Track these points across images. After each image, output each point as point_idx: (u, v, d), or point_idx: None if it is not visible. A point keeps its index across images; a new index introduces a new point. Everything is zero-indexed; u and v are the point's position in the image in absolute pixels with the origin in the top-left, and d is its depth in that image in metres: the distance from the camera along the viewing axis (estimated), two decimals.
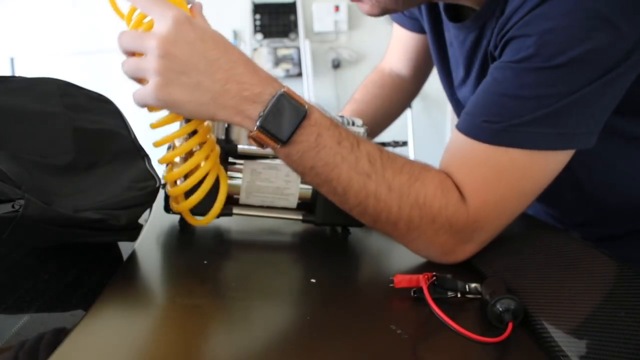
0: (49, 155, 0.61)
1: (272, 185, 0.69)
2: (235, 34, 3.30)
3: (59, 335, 0.43)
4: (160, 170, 0.68)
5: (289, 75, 3.26)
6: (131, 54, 0.58)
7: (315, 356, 0.45)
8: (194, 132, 0.61)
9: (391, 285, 0.54)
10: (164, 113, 0.59)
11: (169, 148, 0.68)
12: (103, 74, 3.16)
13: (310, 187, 0.69)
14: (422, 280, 0.53)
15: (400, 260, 0.70)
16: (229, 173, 0.69)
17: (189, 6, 0.59)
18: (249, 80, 0.56)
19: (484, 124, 0.61)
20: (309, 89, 3.28)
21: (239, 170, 0.69)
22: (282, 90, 0.56)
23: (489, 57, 0.69)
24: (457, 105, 0.88)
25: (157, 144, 0.61)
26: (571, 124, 0.59)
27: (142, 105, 0.57)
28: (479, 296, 0.54)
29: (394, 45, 1.07)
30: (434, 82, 1.09)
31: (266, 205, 0.71)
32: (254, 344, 0.46)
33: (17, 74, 0.69)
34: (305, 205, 0.71)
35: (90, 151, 0.65)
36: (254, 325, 0.49)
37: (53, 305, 0.49)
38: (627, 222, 0.79)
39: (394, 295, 0.55)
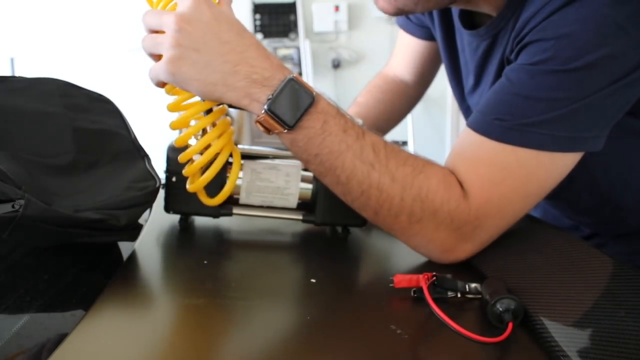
0: (49, 155, 0.61)
1: (272, 185, 0.69)
2: None
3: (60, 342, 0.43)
4: (160, 170, 0.68)
5: None
6: (153, 32, 0.59)
7: (315, 356, 0.45)
8: (209, 112, 0.61)
9: (391, 285, 0.54)
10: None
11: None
12: (103, 74, 3.17)
13: (310, 187, 0.69)
14: (422, 280, 0.53)
15: (400, 260, 0.70)
16: (229, 173, 0.69)
17: None
18: (260, 64, 0.57)
19: (494, 122, 0.61)
20: None
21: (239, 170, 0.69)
22: (292, 75, 0.57)
23: (505, 63, 0.69)
24: (468, 112, 0.88)
25: (173, 125, 0.61)
26: (581, 127, 0.60)
27: (156, 82, 0.59)
28: (479, 296, 0.54)
29: (398, 51, 1.07)
30: (434, 83, 1.09)
31: (266, 205, 0.71)
32: (254, 344, 0.46)
33: (17, 74, 0.69)
34: (305, 205, 0.71)
35: (90, 151, 0.65)
36: (254, 325, 0.49)
37: (53, 305, 0.49)
38: None
39: (394, 295, 0.55)
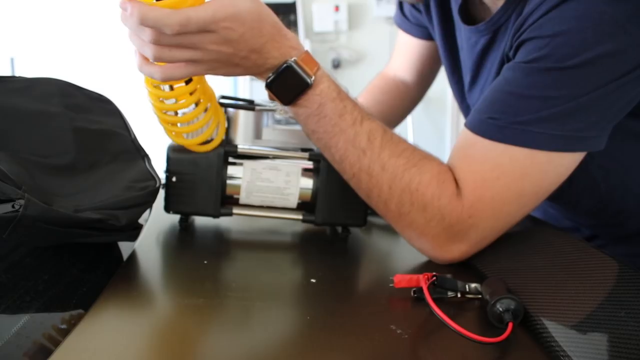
0: (49, 155, 0.61)
1: (272, 185, 0.69)
2: None
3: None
4: (160, 170, 0.68)
5: None
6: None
7: (315, 356, 0.45)
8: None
9: (391, 285, 0.54)
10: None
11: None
12: (103, 74, 3.16)
13: (310, 187, 0.69)
14: (422, 280, 0.53)
15: (400, 260, 0.70)
16: (229, 173, 0.69)
17: None
18: (272, 53, 0.59)
19: (488, 120, 0.61)
20: None
21: (239, 170, 0.69)
22: (293, 59, 0.60)
23: (505, 61, 0.69)
24: (467, 111, 0.88)
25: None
26: (577, 126, 0.59)
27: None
28: (479, 296, 0.54)
29: (398, 51, 1.07)
30: (434, 83, 1.09)
31: (266, 205, 0.71)
32: (254, 344, 0.46)
33: (17, 74, 0.69)
34: (305, 205, 0.71)
35: (91, 151, 0.65)
36: (254, 325, 0.49)
37: (53, 305, 0.49)
38: None
39: (394, 295, 0.55)
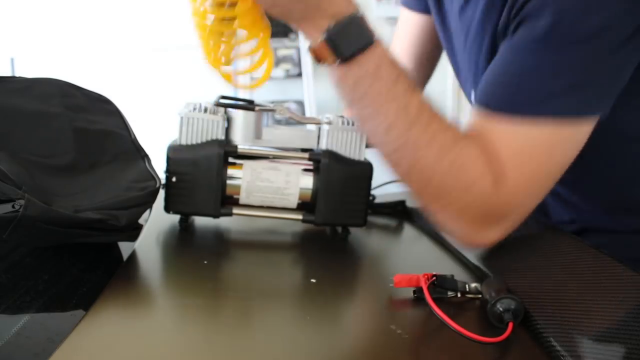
0: (49, 155, 0.61)
1: (272, 185, 0.69)
2: None
3: None
4: (160, 170, 0.68)
5: (289, 76, 3.25)
6: None
7: (315, 356, 0.45)
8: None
9: (391, 285, 0.54)
10: None
11: None
12: (103, 74, 3.16)
13: (310, 187, 0.69)
14: (422, 280, 0.53)
15: (400, 260, 0.70)
16: (229, 173, 0.69)
17: None
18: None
19: (508, 97, 0.60)
20: (308, 89, 3.28)
21: (239, 170, 0.69)
22: (358, 14, 0.58)
23: (500, 33, 0.67)
24: (468, 88, 0.87)
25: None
26: (591, 93, 0.59)
27: None
28: (479, 296, 0.54)
29: (397, 35, 1.05)
30: (434, 82, 1.09)
31: (266, 206, 0.71)
32: (254, 344, 0.46)
33: (17, 74, 0.69)
34: (305, 205, 0.71)
35: (91, 151, 0.65)
36: (254, 325, 0.49)
37: (53, 305, 0.49)
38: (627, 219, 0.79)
39: (394, 295, 0.55)
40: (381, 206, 0.84)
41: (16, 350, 0.41)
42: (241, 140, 0.70)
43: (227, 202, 0.70)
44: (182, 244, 0.69)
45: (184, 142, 0.69)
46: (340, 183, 0.67)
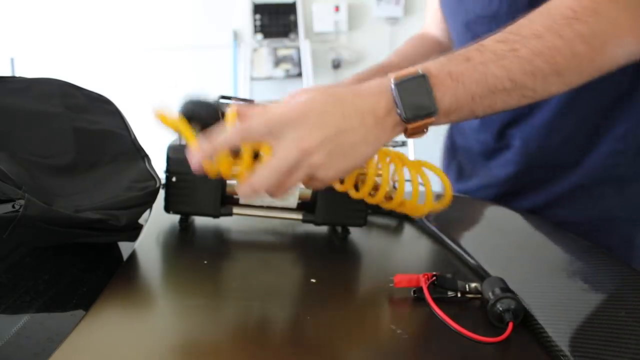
0: (49, 155, 0.61)
1: None
2: (235, 34, 3.30)
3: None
4: (160, 170, 0.68)
5: (288, 76, 3.26)
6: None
7: (315, 356, 0.45)
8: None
9: (391, 285, 0.54)
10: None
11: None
12: (103, 74, 3.16)
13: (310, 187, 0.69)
14: (422, 280, 0.53)
15: (400, 260, 0.70)
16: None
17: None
18: (369, 102, 0.54)
19: None
20: None
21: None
22: (394, 83, 0.54)
23: None
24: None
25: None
26: None
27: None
28: (479, 296, 0.54)
29: (428, 7, 1.07)
30: None
31: (266, 206, 0.71)
32: (254, 344, 0.46)
33: (17, 74, 0.69)
34: (305, 205, 0.71)
35: (91, 151, 0.65)
36: (254, 325, 0.49)
37: (53, 305, 0.49)
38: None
39: (394, 295, 0.55)
40: None
41: (16, 350, 0.41)
42: None
43: (227, 202, 0.70)
44: (182, 244, 0.69)
45: (184, 142, 0.69)
46: None
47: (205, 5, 3.26)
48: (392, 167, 0.61)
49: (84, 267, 0.58)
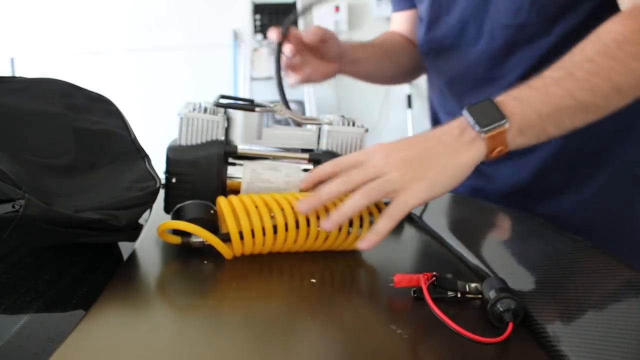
0: (49, 155, 0.61)
1: (272, 185, 0.69)
2: (235, 34, 3.30)
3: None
4: (160, 171, 0.68)
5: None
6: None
7: (315, 356, 0.45)
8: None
9: (391, 285, 0.54)
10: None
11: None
12: (103, 74, 3.17)
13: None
14: (422, 280, 0.53)
15: (400, 260, 0.70)
16: (229, 173, 0.69)
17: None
18: (444, 128, 0.61)
19: None
20: (308, 89, 3.28)
21: (239, 171, 0.69)
22: (465, 109, 0.60)
23: None
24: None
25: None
26: None
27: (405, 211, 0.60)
28: (479, 296, 0.54)
29: (394, 18, 1.11)
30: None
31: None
32: (254, 344, 0.46)
33: (17, 74, 0.69)
34: None
35: (91, 151, 0.65)
36: (254, 325, 0.49)
37: (53, 305, 0.49)
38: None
39: (394, 295, 0.55)
40: None
41: (16, 350, 0.41)
42: (241, 140, 0.70)
43: None
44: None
45: (183, 143, 0.69)
46: None
47: (205, 6, 3.27)
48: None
49: (84, 267, 0.58)
